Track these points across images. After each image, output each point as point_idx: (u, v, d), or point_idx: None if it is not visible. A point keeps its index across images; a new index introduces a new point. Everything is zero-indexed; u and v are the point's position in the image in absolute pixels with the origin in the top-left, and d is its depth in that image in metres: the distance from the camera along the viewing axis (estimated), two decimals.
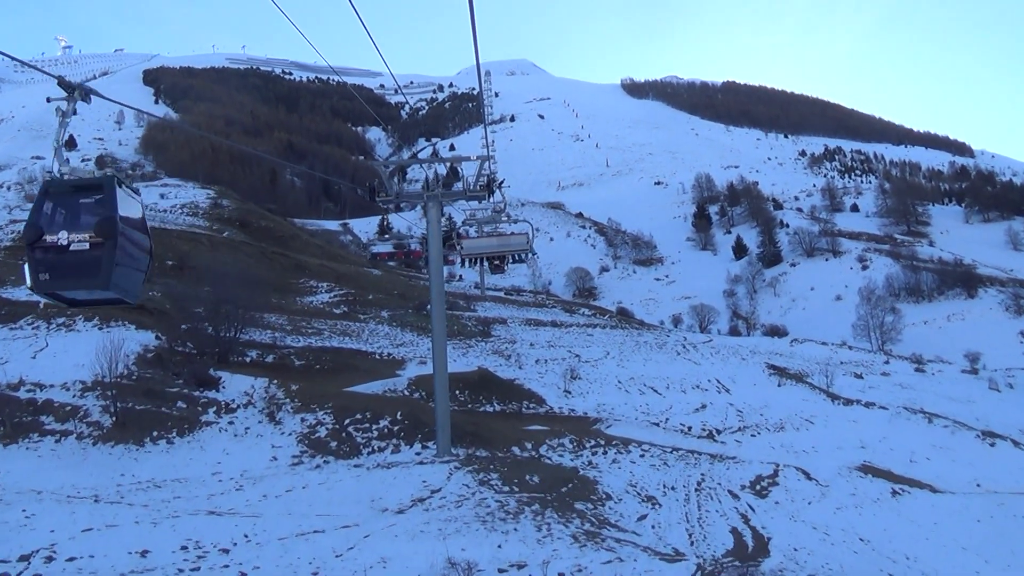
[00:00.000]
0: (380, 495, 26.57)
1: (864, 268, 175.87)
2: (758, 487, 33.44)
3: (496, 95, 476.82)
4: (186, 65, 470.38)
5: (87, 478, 27.78)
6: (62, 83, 13.33)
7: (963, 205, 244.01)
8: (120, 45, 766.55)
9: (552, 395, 49.33)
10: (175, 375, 38.02)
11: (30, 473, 27.66)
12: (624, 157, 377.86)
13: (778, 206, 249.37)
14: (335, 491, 26.99)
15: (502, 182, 34.39)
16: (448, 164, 35.25)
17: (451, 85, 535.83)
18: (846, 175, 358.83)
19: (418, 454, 33.41)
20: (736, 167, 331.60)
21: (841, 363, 77.00)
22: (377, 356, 54.24)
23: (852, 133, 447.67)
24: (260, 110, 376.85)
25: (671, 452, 38.03)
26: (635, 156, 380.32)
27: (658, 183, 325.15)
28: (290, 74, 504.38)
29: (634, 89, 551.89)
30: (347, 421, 35.37)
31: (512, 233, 44.04)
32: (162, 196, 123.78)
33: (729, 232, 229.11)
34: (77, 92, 13.60)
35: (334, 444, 33.68)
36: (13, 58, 15.58)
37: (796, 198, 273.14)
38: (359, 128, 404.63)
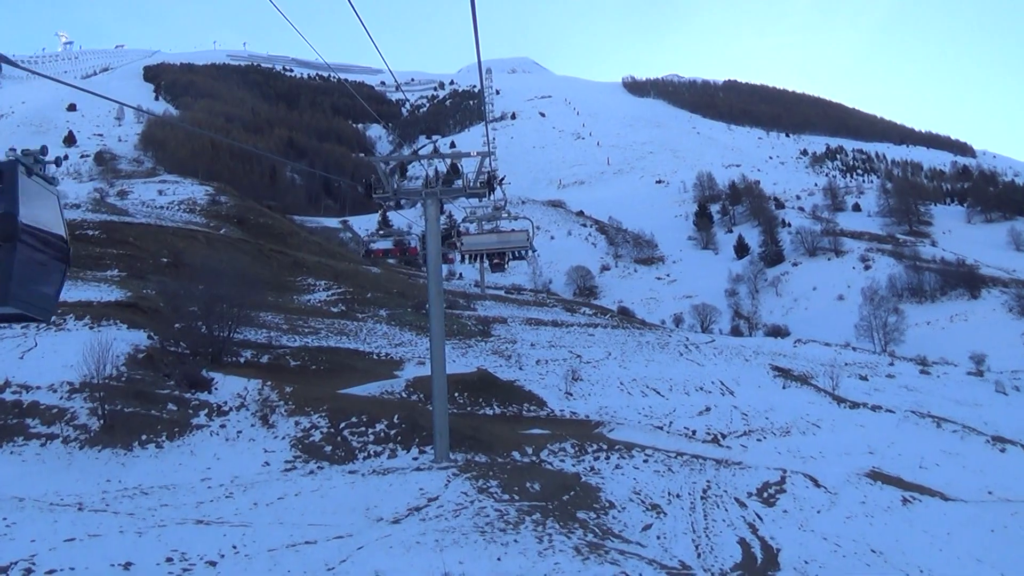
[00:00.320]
0: (375, 503, 25.55)
1: (867, 268, 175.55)
2: (765, 494, 32.45)
3: (497, 93, 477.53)
4: (187, 62, 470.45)
5: (72, 484, 26.81)
6: None
7: (965, 205, 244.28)
8: (121, 41, 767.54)
9: (553, 397, 48.28)
10: (166, 376, 36.95)
11: (13, 479, 26.69)
12: (625, 155, 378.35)
13: (780, 205, 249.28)
14: (328, 499, 25.97)
15: (503, 179, 33.42)
16: (448, 161, 34.23)
17: (452, 83, 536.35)
18: (848, 174, 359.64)
19: (415, 459, 32.42)
20: (738, 166, 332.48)
21: (845, 364, 76.14)
22: (375, 356, 53.19)
23: (854, 132, 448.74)
24: (260, 107, 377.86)
25: (675, 457, 37.05)
26: (636, 154, 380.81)
27: (659, 182, 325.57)
28: (291, 71, 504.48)
29: (635, 87, 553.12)
30: (342, 425, 34.37)
31: (512, 230, 43.35)
32: (160, 192, 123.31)
33: (731, 231, 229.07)
34: None
35: (328, 449, 32.67)
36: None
37: (798, 197, 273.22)
38: (360, 125, 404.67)
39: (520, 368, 56.61)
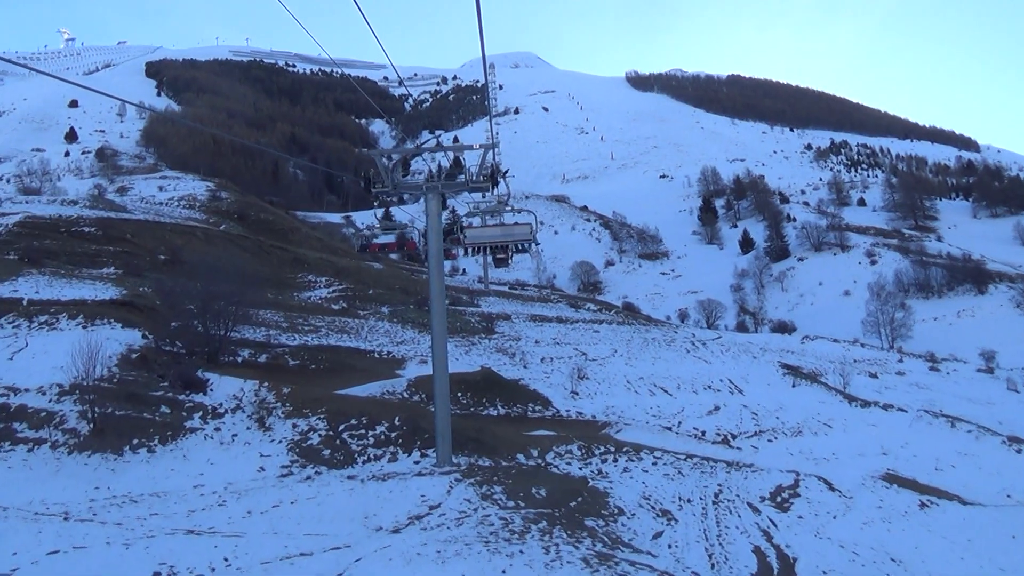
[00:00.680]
0: (374, 511, 24.52)
1: (873, 263, 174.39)
2: (779, 499, 31.41)
3: (500, 88, 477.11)
4: (189, 58, 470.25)
5: (59, 492, 25.69)
6: None
7: (971, 200, 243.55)
8: (123, 38, 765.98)
9: (559, 397, 47.25)
10: (160, 377, 35.74)
11: None
12: (629, 150, 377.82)
13: (784, 200, 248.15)
14: (326, 507, 24.91)
15: (506, 172, 32.35)
16: (451, 156, 33.30)
17: (455, 78, 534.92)
18: (852, 169, 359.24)
19: (416, 463, 31.27)
20: (742, 160, 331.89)
21: (854, 361, 75.28)
22: (376, 355, 52.11)
23: (858, 127, 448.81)
24: (263, 103, 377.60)
25: (685, 459, 35.95)
26: (640, 149, 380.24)
27: (663, 176, 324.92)
28: (293, 66, 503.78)
29: (639, 82, 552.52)
30: (341, 427, 33.20)
31: (516, 223, 42.56)
32: (160, 188, 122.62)
33: (735, 226, 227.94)
34: None
35: (327, 452, 31.51)
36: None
37: (803, 192, 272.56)
38: (363, 121, 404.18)
39: (524, 366, 55.62)
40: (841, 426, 47.86)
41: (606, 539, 23.89)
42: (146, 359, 37.59)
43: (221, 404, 33.97)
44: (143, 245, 69.66)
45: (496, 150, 31.20)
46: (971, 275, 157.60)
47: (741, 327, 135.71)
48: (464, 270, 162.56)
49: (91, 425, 29.78)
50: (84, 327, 40.67)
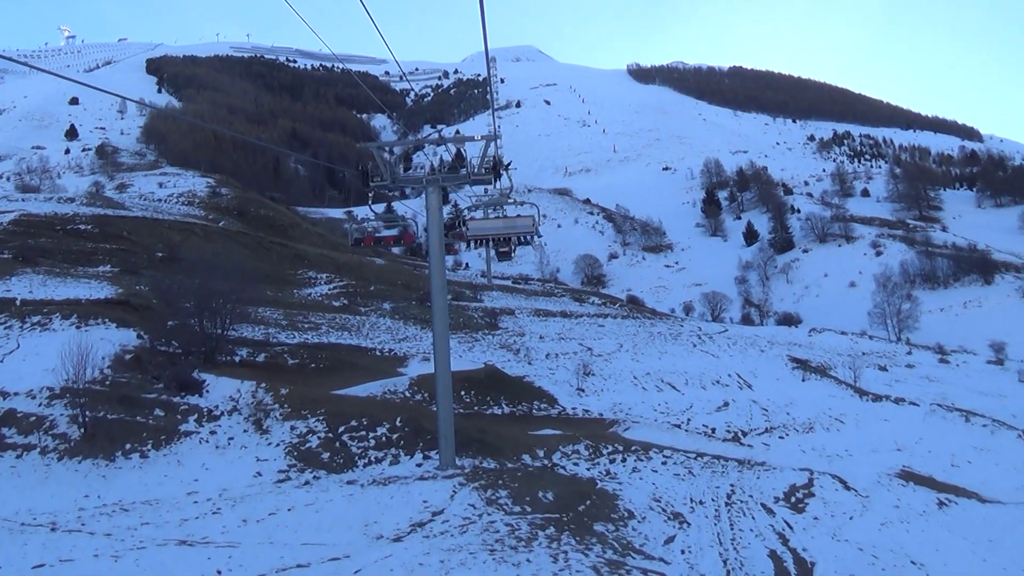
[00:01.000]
0: (375, 519, 23.52)
1: (878, 254, 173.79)
2: (793, 499, 30.35)
3: (502, 81, 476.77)
4: (190, 54, 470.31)
5: (47, 500, 24.74)
6: None
7: (975, 190, 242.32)
8: (124, 35, 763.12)
9: (564, 394, 46.29)
10: (155, 379, 34.77)
11: None
12: (631, 143, 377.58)
13: (788, 191, 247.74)
14: (324, 514, 23.91)
15: (509, 164, 31.36)
16: (453, 150, 32.15)
17: (456, 72, 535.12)
18: (855, 160, 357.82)
19: (419, 466, 30.29)
20: (745, 152, 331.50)
21: (863, 354, 74.28)
22: (377, 352, 51.16)
23: (860, 118, 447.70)
24: (264, 98, 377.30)
25: (695, 458, 34.97)
26: (642, 142, 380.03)
27: (666, 168, 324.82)
28: (294, 62, 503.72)
29: (640, 74, 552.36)
30: (341, 429, 32.19)
31: (518, 215, 41.80)
32: (160, 185, 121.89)
33: (739, 218, 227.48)
34: None
35: (326, 456, 30.50)
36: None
37: (806, 183, 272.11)
38: (364, 115, 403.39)
39: (529, 363, 54.74)
40: (853, 421, 46.83)
41: (616, 545, 22.97)
42: (140, 360, 36.64)
43: (217, 406, 33.00)
44: (140, 242, 68.78)
45: (498, 142, 30.12)
46: (977, 265, 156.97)
47: (746, 319, 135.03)
48: (467, 264, 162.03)
49: (82, 430, 28.82)
50: (78, 327, 39.80)
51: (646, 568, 21.01)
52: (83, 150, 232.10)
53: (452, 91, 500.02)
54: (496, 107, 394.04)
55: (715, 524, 26.67)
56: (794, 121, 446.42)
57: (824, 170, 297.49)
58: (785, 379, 58.10)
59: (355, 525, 23.06)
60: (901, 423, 47.12)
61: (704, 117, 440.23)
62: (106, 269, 58.53)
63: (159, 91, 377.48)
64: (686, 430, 41.77)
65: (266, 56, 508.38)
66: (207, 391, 34.19)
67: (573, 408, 43.89)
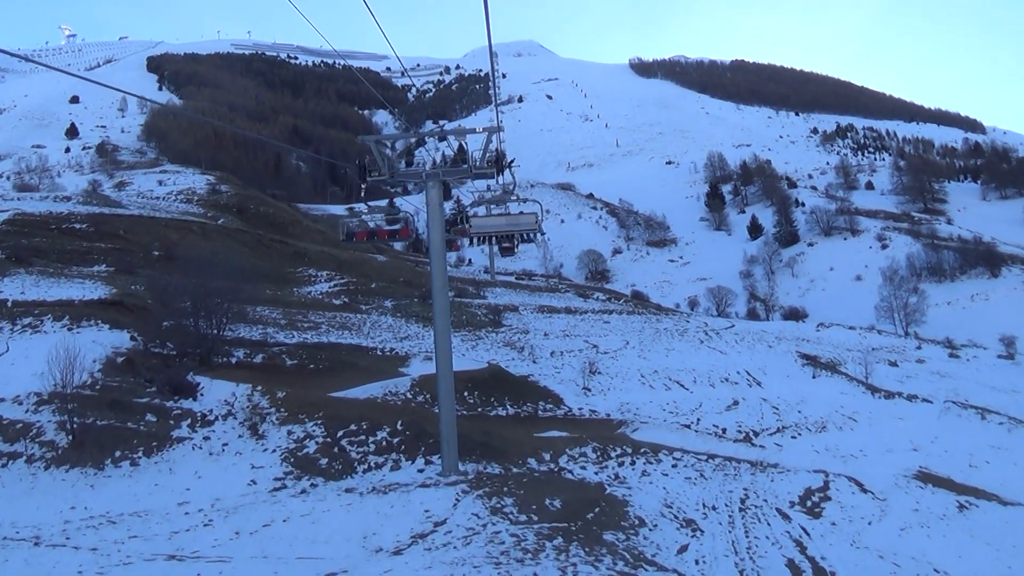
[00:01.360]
0: (374, 530, 22.45)
1: (884, 247, 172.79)
2: (809, 503, 29.31)
3: (503, 76, 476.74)
4: (190, 52, 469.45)
5: (32, 512, 23.72)
6: None
7: (979, 182, 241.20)
8: (124, 33, 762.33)
9: (570, 393, 45.22)
10: (147, 382, 33.68)
11: None
12: (634, 137, 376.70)
13: (792, 184, 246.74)
14: (321, 525, 22.83)
15: (512, 161, 30.29)
16: (456, 144, 31.04)
17: (458, 67, 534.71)
18: (859, 153, 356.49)
19: (420, 471, 29.22)
20: (748, 146, 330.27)
21: (872, 349, 72.97)
22: (379, 352, 50.01)
23: (863, 110, 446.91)
24: (265, 95, 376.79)
25: (706, 460, 33.90)
26: (645, 136, 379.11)
27: (669, 163, 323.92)
28: (295, 59, 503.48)
29: (642, 69, 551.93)
30: (340, 433, 31.11)
31: (521, 212, 40.99)
32: (160, 183, 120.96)
33: (743, 212, 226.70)
34: None
35: (324, 462, 29.42)
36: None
37: (810, 176, 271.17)
38: (366, 111, 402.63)
39: (534, 361, 53.70)
40: (866, 420, 45.77)
41: (627, 556, 21.93)
42: (133, 363, 35.55)
43: (211, 410, 31.98)
44: (137, 241, 67.68)
45: (500, 134, 29.03)
46: (983, 258, 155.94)
47: (752, 314, 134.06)
48: (470, 260, 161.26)
49: (70, 437, 27.82)
50: (70, 329, 38.78)
51: None
52: (83, 148, 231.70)
53: (454, 87, 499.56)
54: (498, 101, 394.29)
55: (729, 531, 25.64)
56: (797, 114, 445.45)
57: (828, 163, 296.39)
58: (795, 376, 57.06)
59: (353, 537, 22.04)
60: (915, 421, 46.12)
61: (707, 111, 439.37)
62: (101, 269, 57.50)
63: (160, 89, 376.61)
64: (696, 430, 40.78)
65: (267, 53, 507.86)
66: (201, 394, 33.20)
67: (579, 408, 42.89)
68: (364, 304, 67.78)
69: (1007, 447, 42.23)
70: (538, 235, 39.09)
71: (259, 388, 34.01)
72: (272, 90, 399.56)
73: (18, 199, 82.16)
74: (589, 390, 47.04)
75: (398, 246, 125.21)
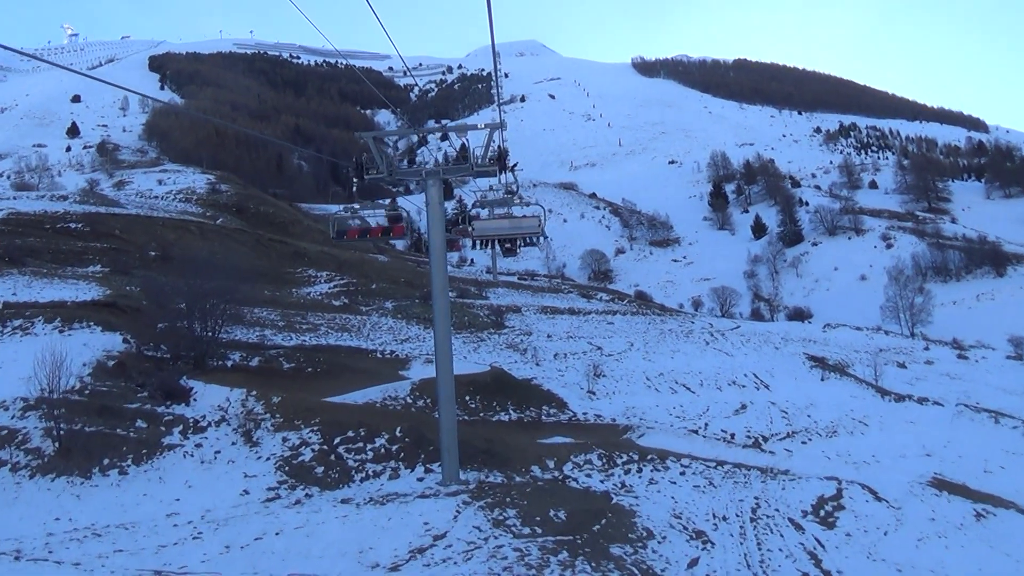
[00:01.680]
0: (371, 544, 21.43)
1: (888, 247, 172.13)
2: (822, 512, 28.30)
3: (506, 76, 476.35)
4: (192, 51, 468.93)
5: (15, 523, 22.76)
6: None
7: (983, 181, 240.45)
8: (127, 32, 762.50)
9: (574, 397, 44.22)
10: (139, 387, 32.70)
11: None
12: (637, 136, 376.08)
13: (795, 183, 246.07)
14: (315, 538, 21.83)
15: (515, 165, 29.41)
16: (458, 144, 29.98)
17: (460, 67, 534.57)
18: (862, 151, 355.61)
19: (420, 480, 28.24)
20: (751, 145, 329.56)
21: (880, 350, 71.94)
22: (379, 354, 49.11)
23: (866, 109, 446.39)
24: (267, 94, 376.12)
25: (715, 467, 32.84)
26: (648, 135, 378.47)
27: (672, 162, 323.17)
28: (298, 58, 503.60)
29: (645, 68, 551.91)
30: (337, 440, 30.11)
31: (524, 216, 40.25)
32: (160, 182, 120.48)
33: (747, 211, 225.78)
34: None
35: (320, 470, 28.42)
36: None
37: (813, 175, 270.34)
38: (368, 111, 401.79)
39: (537, 364, 52.73)
40: (878, 424, 44.69)
41: (635, 571, 21.06)
42: (124, 366, 34.55)
43: (204, 416, 30.96)
44: (133, 241, 66.86)
45: (503, 132, 28.02)
46: (989, 257, 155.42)
47: (756, 314, 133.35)
48: (472, 260, 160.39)
49: (56, 444, 26.80)
50: (61, 331, 37.82)
51: None
52: (84, 148, 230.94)
53: (456, 86, 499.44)
54: (500, 101, 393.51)
55: (741, 543, 24.66)
56: (800, 113, 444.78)
57: (831, 162, 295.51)
58: (803, 378, 56.02)
59: (349, 551, 21.04)
60: (927, 425, 45.09)
61: (710, 110, 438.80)
62: (96, 269, 56.70)
63: (162, 88, 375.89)
64: (704, 436, 39.76)
65: (269, 53, 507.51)
66: (194, 399, 32.20)
67: (584, 413, 41.86)
68: (364, 305, 66.99)
69: (1022, 452, 41.25)
70: (541, 239, 38.28)
71: (254, 393, 32.99)
72: (274, 90, 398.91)
73: (14, 198, 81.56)
74: (594, 394, 46.08)
75: (400, 246, 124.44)
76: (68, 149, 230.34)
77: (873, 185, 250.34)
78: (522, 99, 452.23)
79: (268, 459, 28.80)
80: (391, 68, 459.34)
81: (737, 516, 27.06)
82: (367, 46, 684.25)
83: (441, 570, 19.63)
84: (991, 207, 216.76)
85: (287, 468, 28.31)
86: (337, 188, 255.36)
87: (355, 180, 27.79)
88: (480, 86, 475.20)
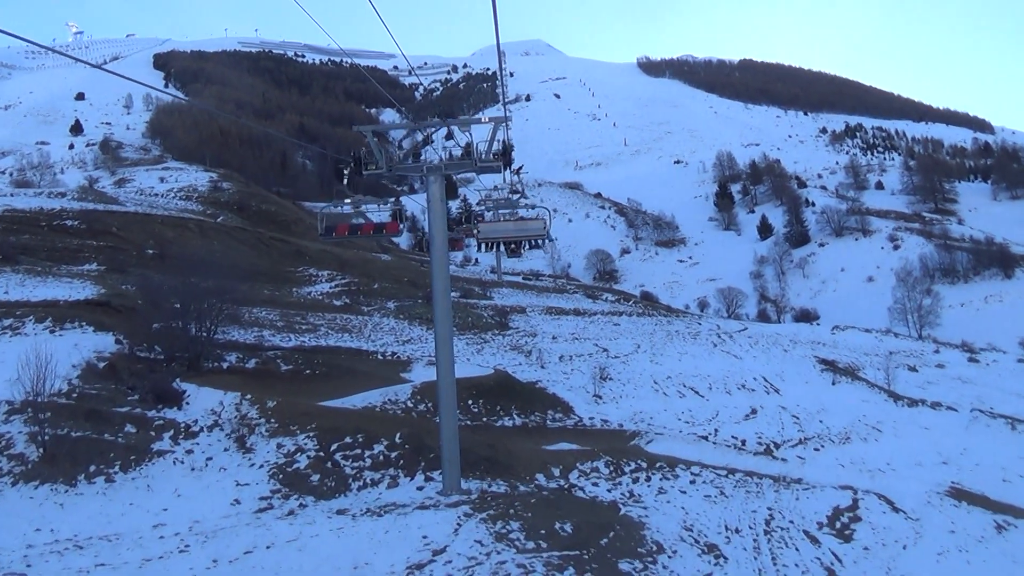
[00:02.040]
0: (366, 559, 20.22)
1: (896, 248, 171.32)
2: (838, 524, 27.12)
3: (511, 75, 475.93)
4: (197, 49, 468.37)
5: None
6: None
7: (989, 182, 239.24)
8: (131, 30, 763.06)
9: (580, 401, 43.16)
10: (130, 389, 31.60)
11: None
12: (642, 136, 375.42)
13: (802, 184, 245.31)
14: (308, 552, 20.63)
15: (520, 168, 28.33)
16: (463, 141, 28.92)
17: (465, 66, 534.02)
18: (868, 152, 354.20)
19: (420, 489, 27.07)
20: (757, 145, 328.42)
21: (890, 353, 70.82)
22: (379, 356, 48.11)
23: (872, 110, 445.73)
24: (272, 93, 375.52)
25: (726, 476, 31.64)
26: (653, 135, 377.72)
27: (677, 162, 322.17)
28: (303, 57, 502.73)
29: (650, 68, 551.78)
30: (334, 447, 28.96)
31: (529, 218, 39.39)
32: (162, 180, 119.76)
33: (752, 211, 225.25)
34: None
35: (316, 478, 27.28)
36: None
37: (819, 176, 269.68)
38: (373, 110, 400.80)
39: (542, 366, 51.70)
40: (891, 430, 43.54)
41: None
42: (115, 368, 33.41)
43: (196, 421, 29.86)
44: (130, 239, 65.90)
45: (507, 124, 26.89)
46: (996, 259, 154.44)
47: (763, 316, 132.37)
48: (476, 260, 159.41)
49: (41, 450, 25.66)
50: (52, 331, 36.69)
51: None
52: (87, 145, 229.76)
53: (461, 85, 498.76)
54: (506, 107, 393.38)
55: (755, 558, 23.48)
56: (806, 114, 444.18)
57: (837, 163, 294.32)
58: (814, 382, 54.91)
59: (343, 566, 19.83)
60: (942, 431, 43.90)
61: (715, 110, 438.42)
62: (91, 267, 55.72)
63: (166, 86, 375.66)
64: (714, 442, 38.63)
65: (274, 51, 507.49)
66: (187, 403, 31.11)
67: (590, 418, 40.82)
68: (366, 305, 66.10)
69: None
70: (546, 242, 37.36)
71: (248, 397, 31.84)
72: (279, 88, 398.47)
73: (11, 195, 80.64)
74: (600, 398, 45.05)
75: (404, 245, 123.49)
76: (71, 147, 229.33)
77: (879, 186, 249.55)
78: (527, 98, 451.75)
79: (261, 466, 27.68)
80: (396, 67, 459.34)
81: (750, 528, 25.90)
82: (372, 45, 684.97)
83: None
84: (998, 208, 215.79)
85: (281, 476, 27.18)
86: (341, 187, 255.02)
87: (345, 172, 26.67)
88: (485, 85, 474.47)
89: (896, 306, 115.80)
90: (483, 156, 26.21)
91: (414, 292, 74.00)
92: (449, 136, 29.43)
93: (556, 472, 30.23)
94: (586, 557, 21.07)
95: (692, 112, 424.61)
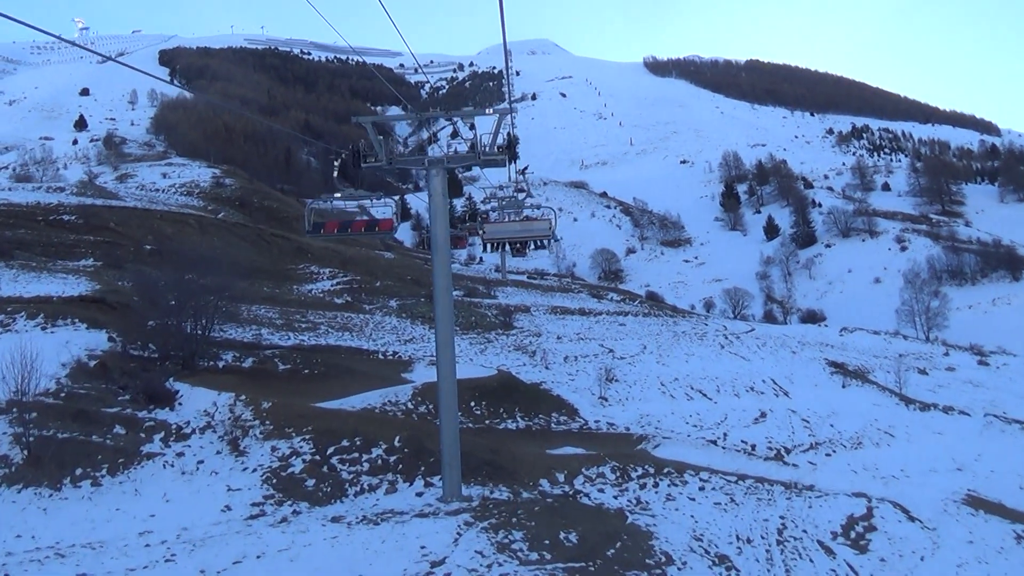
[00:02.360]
0: (361, 570, 19.29)
1: (903, 249, 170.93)
2: (853, 534, 26.12)
3: (517, 74, 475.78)
4: (203, 46, 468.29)
5: None
6: None
7: (996, 184, 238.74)
8: (137, 27, 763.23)
9: (586, 403, 42.09)
10: (121, 389, 30.61)
11: None
12: (648, 135, 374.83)
13: (808, 185, 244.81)
14: (300, 562, 19.69)
15: (525, 168, 27.42)
16: (469, 139, 27.95)
17: (471, 64, 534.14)
18: (875, 153, 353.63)
19: (419, 495, 26.10)
20: (763, 145, 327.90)
21: (899, 356, 69.91)
22: (380, 356, 47.14)
23: (878, 111, 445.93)
24: (277, 90, 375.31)
25: (736, 482, 30.59)
26: (659, 135, 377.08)
27: (684, 162, 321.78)
28: (308, 54, 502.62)
29: (656, 67, 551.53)
30: (330, 450, 27.99)
31: (535, 218, 38.59)
32: (164, 176, 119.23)
33: (759, 212, 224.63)
34: None
35: (311, 483, 26.31)
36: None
37: (826, 176, 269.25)
38: (378, 108, 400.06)
39: (546, 367, 50.62)
40: (904, 435, 42.42)
41: None
42: (106, 367, 32.36)
43: (188, 422, 28.90)
44: (128, 235, 64.93)
45: (512, 116, 25.92)
46: (1004, 261, 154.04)
47: (769, 316, 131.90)
48: (480, 258, 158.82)
49: (25, 452, 24.69)
50: (44, 328, 35.66)
51: None
52: (91, 141, 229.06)
53: (467, 84, 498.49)
54: (511, 99, 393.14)
55: (768, 571, 22.53)
56: (812, 115, 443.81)
57: (844, 164, 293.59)
58: (824, 385, 53.77)
59: None
60: (956, 437, 42.77)
61: (721, 110, 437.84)
62: (88, 263, 54.79)
63: (171, 82, 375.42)
64: (723, 447, 37.56)
65: (280, 48, 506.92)
66: (180, 404, 30.14)
67: (596, 421, 39.71)
68: (368, 304, 65.16)
69: None
70: (551, 242, 36.53)
71: (243, 397, 30.85)
72: (284, 85, 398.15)
73: (9, 189, 79.77)
74: (606, 400, 43.94)
75: (408, 243, 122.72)
76: (75, 142, 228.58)
77: (886, 187, 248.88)
78: (533, 97, 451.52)
79: (255, 470, 26.70)
80: (402, 65, 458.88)
81: (762, 538, 24.90)
82: (378, 43, 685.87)
83: None
84: (1005, 210, 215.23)
85: (275, 481, 26.20)
86: (345, 184, 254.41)
87: (336, 164, 25.73)
88: (491, 84, 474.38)
89: (904, 308, 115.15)
90: (487, 149, 25.24)
91: (417, 290, 73.05)
92: (455, 135, 28.66)
93: (561, 478, 29.24)
94: (592, 569, 20.22)
95: (698, 112, 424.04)
